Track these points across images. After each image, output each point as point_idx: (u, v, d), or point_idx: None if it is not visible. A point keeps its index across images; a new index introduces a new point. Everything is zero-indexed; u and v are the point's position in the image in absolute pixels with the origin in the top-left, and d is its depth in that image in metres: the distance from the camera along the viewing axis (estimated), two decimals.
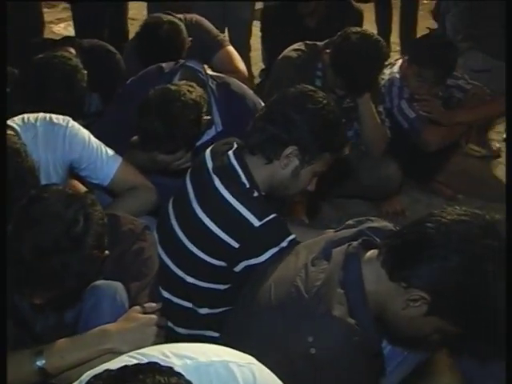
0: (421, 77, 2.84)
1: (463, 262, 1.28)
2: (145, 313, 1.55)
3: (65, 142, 1.95)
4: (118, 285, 1.57)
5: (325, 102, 1.75)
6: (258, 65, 4.18)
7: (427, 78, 2.84)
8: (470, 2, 3.30)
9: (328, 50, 2.59)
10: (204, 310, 1.86)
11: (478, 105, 2.96)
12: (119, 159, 2.05)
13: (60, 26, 5.20)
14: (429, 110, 2.92)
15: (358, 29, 2.59)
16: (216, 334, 1.82)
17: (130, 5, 4.23)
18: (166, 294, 1.86)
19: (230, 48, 3.09)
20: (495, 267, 1.28)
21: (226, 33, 3.90)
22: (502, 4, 3.06)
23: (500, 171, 3.31)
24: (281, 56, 2.76)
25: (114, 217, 1.67)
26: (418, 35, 3.65)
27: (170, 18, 2.75)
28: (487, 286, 1.28)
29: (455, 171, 3.22)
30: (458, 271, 1.28)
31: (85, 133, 2.01)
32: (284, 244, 1.72)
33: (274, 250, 1.71)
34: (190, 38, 2.78)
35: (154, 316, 1.55)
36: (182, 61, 2.43)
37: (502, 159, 3.36)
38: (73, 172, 2.06)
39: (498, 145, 3.47)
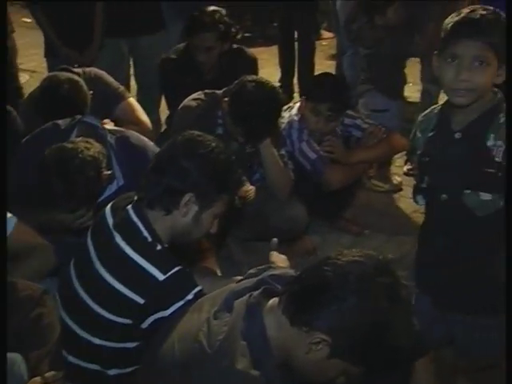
0: (316, 111, 2.91)
1: (359, 302, 1.32)
2: (46, 383, 1.50)
3: None
4: (16, 356, 1.51)
5: (213, 144, 1.75)
6: (165, 112, 4.18)
7: (322, 112, 2.91)
8: (369, 49, 3.48)
9: (226, 99, 2.64)
10: (113, 371, 1.79)
11: (375, 144, 3.09)
12: (13, 220, 1.98)
13: None
14: (330, 150, 3.02)
15: (254, 77, 2.65)
16: None
17: (30, 57, 4.17)
18: (71, 359, 1.78)
19: (132, 100, 3.10)
20: (390, 304, 1.33)
21: (133, 82, 3.90)
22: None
23: (403, 204, 3.44)
24: (181, 106, 2.79)
25: (10, 283, 1.62)
26: None
27: (69, 75, 2.71)
28: (382, 323, 1.32)
29: (360, 207, 3.33)
30: (354, 311, 1.31)
31: None
32: (190, 297, 1.69)
33: (180, 303, 1.69)
34: (91, 92, 2.76)
35: None
36: (78, 117, 2.41)
37: (404, 192, 3.49)
38: None
39: (399, 178, 3.61)
